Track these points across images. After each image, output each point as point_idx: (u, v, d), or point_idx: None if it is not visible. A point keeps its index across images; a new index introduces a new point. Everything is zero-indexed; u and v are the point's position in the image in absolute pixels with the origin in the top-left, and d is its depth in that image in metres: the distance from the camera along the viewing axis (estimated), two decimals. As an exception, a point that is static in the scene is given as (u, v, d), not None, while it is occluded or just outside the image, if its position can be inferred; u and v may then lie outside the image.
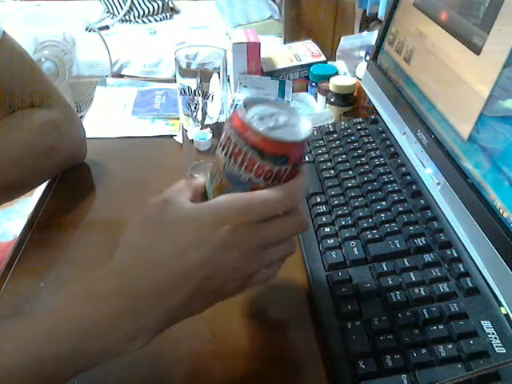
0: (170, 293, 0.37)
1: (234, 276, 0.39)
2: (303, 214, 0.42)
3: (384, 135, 0.69)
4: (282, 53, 0.99)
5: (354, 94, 0.81)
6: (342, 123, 0.75)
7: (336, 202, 0.59)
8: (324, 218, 0.58)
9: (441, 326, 0.42)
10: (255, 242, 0.39)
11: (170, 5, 2.71)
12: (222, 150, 0.41)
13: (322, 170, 0.66)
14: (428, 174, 0.57)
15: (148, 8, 2.59)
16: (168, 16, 2.66)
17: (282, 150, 0.40)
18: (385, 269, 0.49)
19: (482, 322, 0.42)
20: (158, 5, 2.61)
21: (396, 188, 0.59)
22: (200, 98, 0.63)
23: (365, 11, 2.03)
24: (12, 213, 1.85)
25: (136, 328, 0.37)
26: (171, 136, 0.82)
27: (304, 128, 0.41)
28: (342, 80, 0.81)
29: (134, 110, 0.90)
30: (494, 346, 0.40)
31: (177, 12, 2.74)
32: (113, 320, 0.37)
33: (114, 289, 0.38)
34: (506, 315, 0.42)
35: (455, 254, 0.49)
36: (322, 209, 0.59)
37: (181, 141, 0.72)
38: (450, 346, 0.41)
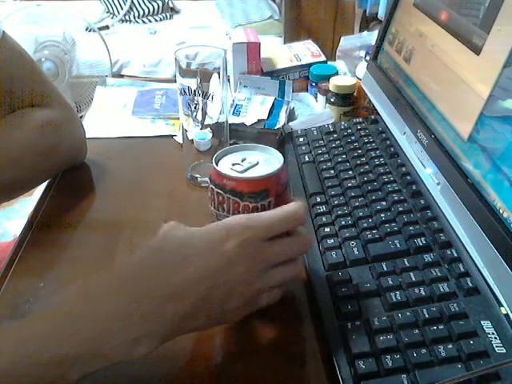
0: (175, 298, 0.37)
1: (239, 290, 0.40)
2: (307, 235, 0.45)
3: (384, 135, 0.69)
4: (282, 53, 0.99)
5: (354, 93, 0.81)
6: (342, 123, 0.75)
7: (336, 202, 0.59)
8: (324, 218, 0.57)
9: (441, 326, 0.42)
10: (261, 259, 0.40)
11: (170, 5, 2.71)
12: (211, 204, 0.46)
13: (322, 169, 0.66)
14: (428, 173, 0.57)
15: (148, 8, 2.59)
16: (168, 16, 2.67)
17: (258, 186, 0.43)
18: (385, 269, 0.49)
19: (482, 322, 0.42)
20: (158, 5, 2.61)
21: (396, 188, 0.59)
22: (200, 98, 0.63)
23: (365, 11, 2.03)
24: (12, 213, 1.85)
25: (141, 331, 0.37)
26: (171, 136, 0.82)
27: (277, 161, 0.45)
28: (342, 80, 0.81)
29: (134, 110, 0.90)
30: (494, 346, 0.40)
31: (177, 12, 2.74)
32: (118, 322, 0.37)
33: (119, 291, 0.38)
34: (506, 315, 0.42)
35: (455, 254, 0.49)
36: (322, 209, 0.59)
37: (181, 141, 0.72)
38: (450, 346, 0.41)
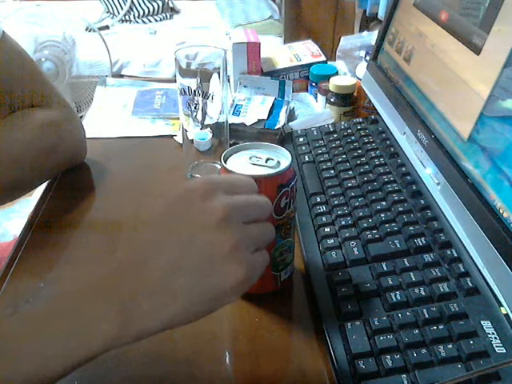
0: (159, 296, 0.36)
1: (220, 247, 0.37)
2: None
3: (384, 135, 0.69)
4: (282, 53, 0.99)
5: (354, 93, 0.81)
6: (342, 123, 0.75)
7: (336, 202, 0.59)
8: (324, 218, 0.57)
9: (441, 326, 0.42)
10: (229, 208, 0.37)
11: (170, 5, 2.71)
12: None
13: (322, 170, 0.66)
14: (428, 174, 0.57)
15: (148, 8, 2.59)
16: (168, 16, 2.66)
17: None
18: (385, 269, 0.49)
19: (482, 322, 0.42)
20: (158, 5, 2.61)
21: (396, 188, 0.59)
22: (200, 98, 0.63)
23: (365, 11, 2.03)
24: (12, 213, 1.85)
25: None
26: (171, 136, 0.82)
27: (285, 158, 0.47)
28: (342, 80, 0.81)
29: (134, 110, 0.90)
30: (494, 346, 0.40)
31: (177, 12, 2.74)
32: (101, 320, 0.35)
33: (104, 293, 0.36)
34: (506, 315, 0.42)
35: (455, 254, 0.49)
36: (322, 209, 0.59)
37: (181, 141, 0.72)
38: (449, 346, 0.41)
